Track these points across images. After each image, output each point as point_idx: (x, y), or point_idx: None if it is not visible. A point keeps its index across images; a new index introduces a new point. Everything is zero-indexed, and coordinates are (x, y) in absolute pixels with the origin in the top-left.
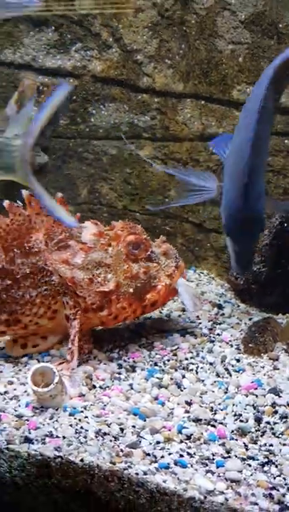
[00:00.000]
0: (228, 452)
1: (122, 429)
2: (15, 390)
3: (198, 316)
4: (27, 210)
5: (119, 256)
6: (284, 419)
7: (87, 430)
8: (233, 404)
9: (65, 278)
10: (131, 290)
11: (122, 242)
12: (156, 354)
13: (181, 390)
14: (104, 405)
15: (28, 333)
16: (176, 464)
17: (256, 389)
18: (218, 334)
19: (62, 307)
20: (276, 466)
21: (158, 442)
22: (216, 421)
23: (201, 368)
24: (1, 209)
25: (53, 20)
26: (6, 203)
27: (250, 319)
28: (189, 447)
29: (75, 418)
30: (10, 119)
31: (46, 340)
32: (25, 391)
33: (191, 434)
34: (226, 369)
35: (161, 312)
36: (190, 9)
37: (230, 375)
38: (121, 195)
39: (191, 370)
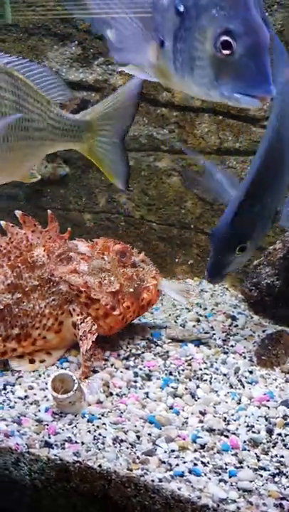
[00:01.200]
0: (240, 462)
1: (138, 437)
2: (35, 395)
3: (212, 327)
4: (23, 228)
5: (114, 262)
6: None
7: (104, 437)
8: (246, 416)
9: (78, 285)
10: (131, 290)
11: (111, 251)
12: (171, 363)
13: (195, 400)
14: (121, 413)
15: (34, 350)
16: (190, 472)
17: (268, 401)
18: (231, 345)
19: (68, 316)
20: (287, 477)
21: (173, 451)
22: (228, 431)
23: (215, 378)
24: None
25: (76, 35)
26: (2, 223)
27: (263, 331)
28: (203, 456)
29: (93, 424)
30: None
31: (51, 355)
32: (45, 396)
33: (205, 444)
34: (239, 380)
35: (176, 322)
36: None
37: (243, 387)
38: (138, 205)
39: (205, 380)
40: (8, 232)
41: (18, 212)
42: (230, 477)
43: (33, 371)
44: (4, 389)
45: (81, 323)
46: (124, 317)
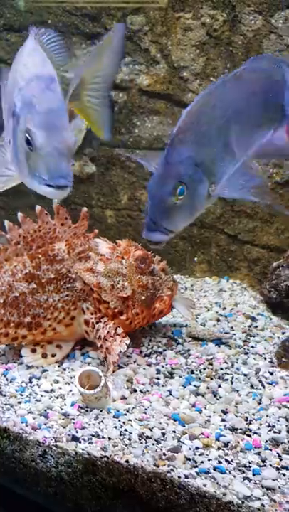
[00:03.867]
0: (263, 461)
1: (163, 434)
2: (60, 388)
3: (232, 327)
4: (54, 219)
5: (131, 267)
6: None
7: (131, 433)
8: (267, 416)
9: (91, 284)
10: (143, 298)
11: (131, 256)
12: (193, 362)
13: (217, 399)
14: (146, 409)
15: (44, 340)
16: (215, 469)
17: (288, 402)
18: (252, 346)
19: (81, 313)
20: None
21: (197, 448)
22: (250, 430)
23: (236, 378)
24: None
25: (104, 34)
26: (37, 208)
27: (282, 333)
28: (227, 454)
29: (119, 420)
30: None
31: (61, 349)
32: (71, 390)
33: (228, 442)
34: (260, 381)
35: (196, 321)
36: (237, 31)
37: (264, 387)
38: None
39: (226, 380)
40: (40, 219)
41: (55, 202)
42: (253, 475)
43: (54, 365)
44: (30, 382)
45: (97, 322)
46: (131, 322)
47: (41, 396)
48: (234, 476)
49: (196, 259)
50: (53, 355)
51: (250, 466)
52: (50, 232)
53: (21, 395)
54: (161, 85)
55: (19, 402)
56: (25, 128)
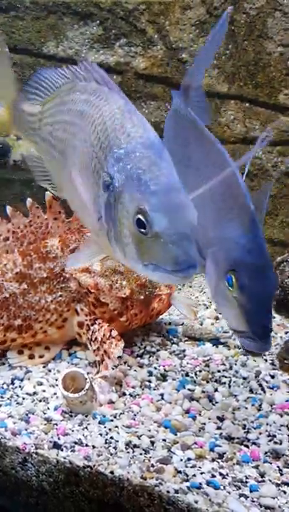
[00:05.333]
0: (261, 476)
1: (152, 442)
2: (44, 391)
3: None
4: (46, 213)
5: None
6: None
7: (117, 441)
8: (267, 424)
9: (88, 286)
10: (142, 297)
11: None
12: (188, 363)
13: (213, 404)
14: (135, 415)
15: (33, 343)
16: (208, 484)
17: None
18: None
19: (74, 315)
20: None
21: (189, 459)
22: (248, 440)
23: (234, 382)
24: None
25: (98, 14)
26: (28, 201)
27: (286, 333)
28: (222, 467)
29: (104, 427)
30: None
31: (50, 350)
32: (55, 393)
33: (224, 453)
34: (260, 385)
35: (192, 320)
36: (240, 8)
37: (264, 392)
38: None
39: (224, 383)
40: (31, 214)
41: (47, 195)
42: (251, 492)
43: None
44: (12, 383)
45: (92, 324)
46: (130, 323)
47: (23, 399)
48: (229, 493)
49: None
50: (41, 357)
51: (247, 482)
52: (42, 227)
53: (1, 397)
54: (159, 68)
55: None
56: (134, 208)
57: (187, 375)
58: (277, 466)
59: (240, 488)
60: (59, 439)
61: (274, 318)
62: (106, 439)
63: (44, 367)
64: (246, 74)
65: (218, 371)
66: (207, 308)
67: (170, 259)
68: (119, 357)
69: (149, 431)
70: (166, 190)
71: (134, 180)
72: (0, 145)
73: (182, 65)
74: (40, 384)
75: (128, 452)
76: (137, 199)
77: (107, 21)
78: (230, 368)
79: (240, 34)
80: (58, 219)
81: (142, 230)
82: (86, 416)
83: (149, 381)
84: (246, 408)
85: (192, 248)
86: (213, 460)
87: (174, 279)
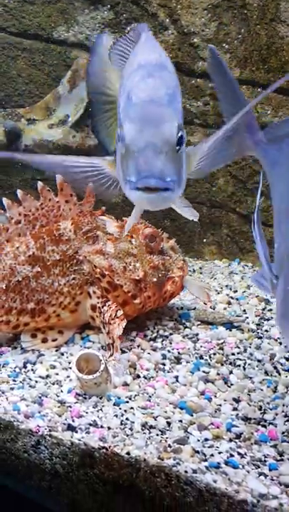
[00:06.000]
0: (280, 455)
1: (168, 423)
2: (57, 374)
3: (244, 310)
4: (58, 196)
5: (141, 247)
6: None
7: (133, 422)
8: (283, 405)
9: (102, 267)
10: (155, 279)
11: (140, 234)
12: (202, 347)
13: (229, 386)
14: (150, 397)
15: (46, 326)
16: (226, 463)
17: None
18: (266, 330)
19: (87, 298)
20: None
21: (206, 439)
22: (265, 421)
23: (249, 364)
24: None
25: None
26: (39, 184)
27: None
28: (239, 447)
29: (120, 408)
30: (62, 98)
31: (63, 334)
32: (68, 376)
33: (241, 433)
34: (275, 367)
35: (206, 303)
36: None
37: (279, 374)
38: None
39: (239, 366)
40: (42, 197)
41: (58, 177)
42: (270, 470)
43: (51, 349)
44: (24, 367)
45: (103, 306)
46: (143, 306)
47: (36, 382)
48: (248, 472)
49: (205, 240)
50: (54, 340)
51: (266, 461)
52: (54, 210)
53: (14, 380)
54: (170, 53)
55: (11, 389)
56: (119, 124)
57: (201, 357)
58: None
59: (259, 467)
60: (73, 421)
61: None
62: (121, 421)
63: (57, 350)
64: (258, 58)
65: (233, 354)
66: (219, 293)
67: (133, 170)
68: (131, 340)
69: (165, 412)
70: (144, 103)
71: (122, 96)
72: (11, 129)
73: (194, 49)
74: (53, 367)
75: (144, 433)
76: (121, 114)
77: (118, 5)
78: (245, 351)
79: (252, 18)
80: (69, 202)
81: (119, 144)
82: (100, 398)
83: (163, 364)
84: (262, 390)
85: (161, 160)
86: (230, 440)
87: (138, 194)
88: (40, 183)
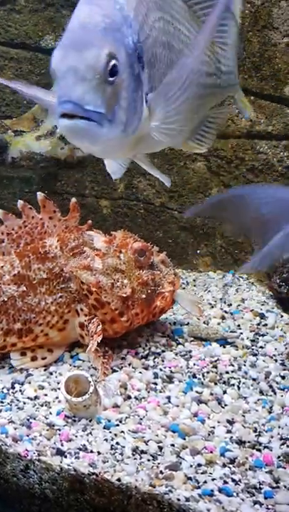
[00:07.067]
0: (276, 482)
1: (160, 448)
2: (46, 395)
3: (239, 325)
4: (41, 213)
5: (130, 262)
6: None
7: (123, 446)
8: (279, 427)
9: (89, 284)
10: (143, 296)
11: (129, 249)
12: (195, 365)
13: (222, 407)
14: (141, 419)
15: (34, 346)
16: (220, 491)
17: None
18: (261, 347)
19: (75, 315)
20: None
21: (199, 465)
22: (260, 444)
23: (244, 383)
24: None
25: None
26: (20, 203)
27: None
28: (234, 473)
29: (110, 432)
30: (49, 108)
31: (52, 353)
32: (57, 397)
33: (235, 458)
34: (270, 386)
35: (198, 318)
36: None
37: (275, 394)
38: (159, 192)
39: (233, 385)
40: (24, 215)
41: (40, 194)
42: (265, 499)
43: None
44: (12, 387)
45: (88, 323)
46: (131, 323)
47: (24, 404)
48: (242, 500)
49: (198, 251)
50: (44, 358)
51: (261, 488)
52: (38, 227)
53: (2, 402)
54: None
55: None
56: None
57: (194, 376)
58: None
59: (254, 495)
60: (62, 445)
61: (282, 317)
62: (112, 445)
63: (45, 370)
64: (251, 66)
65: (227, 372)
66: (212, 307)
67: (56, 95)
68: (122, 358)
69: (157, 436)
70: (73, 29)
71: None
72: None
73: None
74: (42, 388)
75: (135, 458)
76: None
77: None
78: (239, 369)
79: (244, 25)
80: (53, 218)
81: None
82: (90, 421)
83: (155, 383)
84: (257, 410)
85: (81, 86)
86: (224, 465)
87: (60, 121)
88: (20, 202)
